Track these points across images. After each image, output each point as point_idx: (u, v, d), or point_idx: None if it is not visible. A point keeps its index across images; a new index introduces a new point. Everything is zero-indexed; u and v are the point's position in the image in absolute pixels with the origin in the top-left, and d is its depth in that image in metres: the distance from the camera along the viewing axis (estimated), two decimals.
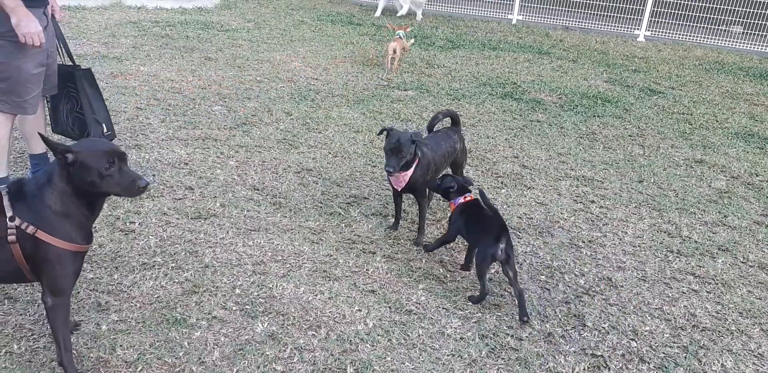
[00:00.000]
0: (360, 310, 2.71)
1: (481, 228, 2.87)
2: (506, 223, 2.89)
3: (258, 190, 3.76)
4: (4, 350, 2.30)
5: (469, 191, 3.11)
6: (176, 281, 2.80)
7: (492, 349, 2.54)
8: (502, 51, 8.43)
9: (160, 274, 2.83)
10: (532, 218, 3.72)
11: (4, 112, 3.07)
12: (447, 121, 3.77)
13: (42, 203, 2.02)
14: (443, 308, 2.77)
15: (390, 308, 2.75)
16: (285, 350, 2.42)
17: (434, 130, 3.59)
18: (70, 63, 3.54)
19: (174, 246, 3.07)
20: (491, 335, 2.62)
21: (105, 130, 3.61)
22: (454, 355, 2.49)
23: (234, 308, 2.65)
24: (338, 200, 3.72)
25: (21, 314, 2.50)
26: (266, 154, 4.28)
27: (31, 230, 2.00)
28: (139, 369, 2.26)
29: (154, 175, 3.78)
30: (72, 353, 2.18)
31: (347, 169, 4.17)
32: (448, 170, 3.63)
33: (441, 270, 3.07)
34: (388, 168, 3.03)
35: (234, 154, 4.22)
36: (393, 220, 3.48)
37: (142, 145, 4.20)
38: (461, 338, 2.59)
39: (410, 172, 3.13)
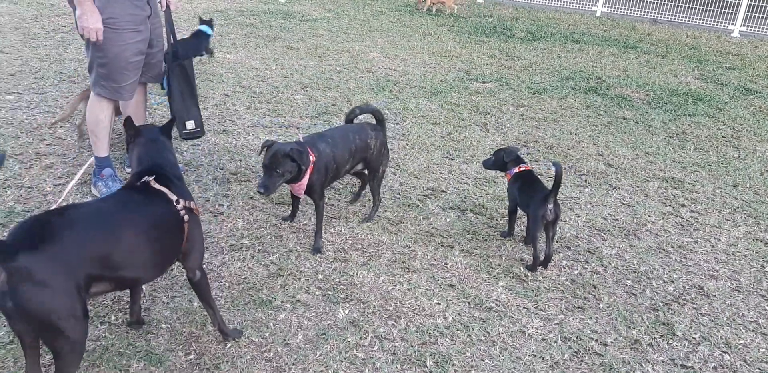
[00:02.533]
0: (439, 303, 2.71)
1: (530, 192, 3.01)
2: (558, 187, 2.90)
3: (338, 179, 3.81)
4: (102, 321, 2.45)
5: (524, 162, 3.20)
6: (262, 263, 2.89)
7: (575, 352, 2.48)
8: (586, 44, 8.13)
9: (248, 256, 2.93)
10: (617, 220, 3.58)
11: (102, 96, 3.23)
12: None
13: (182, 180, 2.21)
14: (524, 308, 2.73)
15: (469, 303, 2.73)
16: (366, 338, 2.46)
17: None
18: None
19: (260, 230, 3.17)
20: (574, 338, 2.55)
21: (194, 127, 3.59)
22: (535, 356, 2.44)
23: (317, 293, 2.71)
24: (416, 192, 3.72)
25: None
26: None
27: (193, 205, 2.15)
28: (228, 346, 2.36)
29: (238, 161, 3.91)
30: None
31: (425, 162, 4.15)
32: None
33: (521, 269, 3.01)
34: (259, 189, 2.67)
35: None
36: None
37: (229, 131, 4.35)
38: (543, 339, 2.54)
39: (305, 181, 2.83)
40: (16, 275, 1.66)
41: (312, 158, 2.80)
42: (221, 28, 7.28)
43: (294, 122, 4.61)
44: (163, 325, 2.43)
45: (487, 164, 3.30)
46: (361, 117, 3.30)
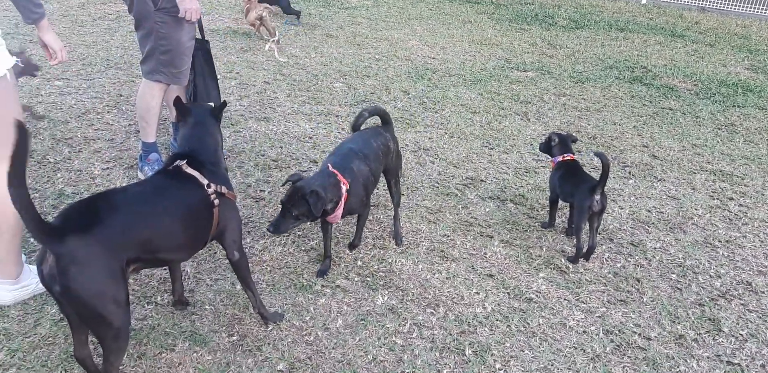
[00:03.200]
0: (478, 293, 2.69)
1: (576, 182, 2.95)
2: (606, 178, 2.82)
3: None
4: (149, 301, 2.52)
5: (571, 152, 3.14)
6: (303, 249, 2.92)
7: (617, 346, 2.44)
8: (631, 32, 7.89)
9: (288, 241, 2.97)
10: (662, 212, 3.49)
11: (161, 82, 3.31)
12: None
13: (218, 166, 2.24)
14: (565, 300, 2.69)
15: (509, 294, 2.71)
16: (405, 325, 2.47)
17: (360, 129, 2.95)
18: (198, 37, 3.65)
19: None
20: (617, 332, 2.51)
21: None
22: (576, 348, 2.41)
23: (356, 279, 2.73)
24: (455, 181, 3.70)
25: (165, 269, 2.73)
26: None
27: (224, 189, 2.17)
28: (269, 329, 2.40)
29: (281, 147, 3.95)
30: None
31: (464, 151, 4.12)
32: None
33: (562, 260, 2.97)
34: (269, 228, 2.45)
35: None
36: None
37: (270, 118, 4.39)
38: (584, 332, 2.50)
39: (339, 213, 2.58)
40: (64, 259, 1.69)
41: (344, 186, 2.52)
42: None
43: (333, 110, 4.62)
44: (206, 306, 2.48)
45: (542, 147, 3.27)
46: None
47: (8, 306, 2.42)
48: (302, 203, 2.40)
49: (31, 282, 2.47)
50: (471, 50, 6.54)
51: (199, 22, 3.57)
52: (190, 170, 2.13)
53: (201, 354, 2.25)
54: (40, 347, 2.23)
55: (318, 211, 2.40)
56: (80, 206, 1.86)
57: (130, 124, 4.10)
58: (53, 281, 1.71)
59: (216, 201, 2.13)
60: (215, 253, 2.81)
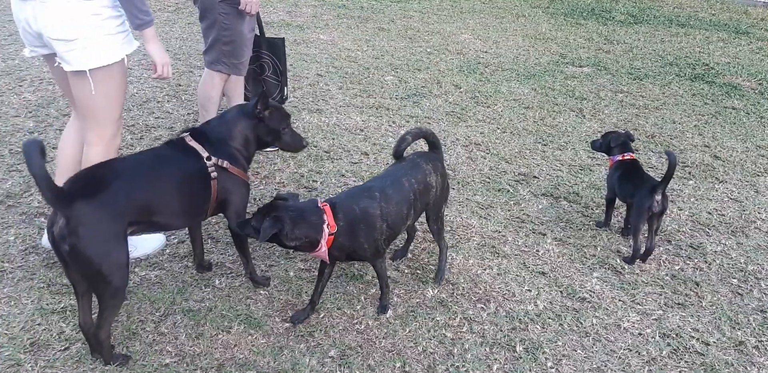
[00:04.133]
0: (530, 290, 2.66)
1: (636, 182, 2.86)
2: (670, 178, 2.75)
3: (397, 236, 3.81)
4: (206, 284, 2.60)
5: (631, 150, 3.06)
6: None
7: (674, 350, 2.37)
8: (692, 28, 7.59)
9: None
10: (723, 215, 3.36)
11: (222, 72, 3.39)
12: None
13: (227, 143, 2.32)
14: (620, 300, 2.63)
15: (561, 292, 2.66)
16: (455, 319, 2.46)
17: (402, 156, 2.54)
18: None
19: None
20: (674, 335, 2.44)
21: (285, 95, 3.84)
22: (630, 350, 2.36)
23: (406, 271, 2.74)
24: (506, 177, 3.65)
25: (222, 254, 2.80)
26: (435, 126, 4.31)
27: (226, 164, 2.27)
28: (321, 316, 2.44)
29: (333, 139, 3.99)
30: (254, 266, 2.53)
31: (516, 146, 4.06)
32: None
33: (617, 260, 2.90)
34: (237, 224, 2.29)
35: (405, 124, 4.30)
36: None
37: (322, 110, 4.43)
38: (639, 334, 2.44)
39: (322, 252, 2.19)
40: (73, 220, 1.86)
41: (329, 229, 2.14)
42: (314, 9, 7.40)
43: (384, 103, 4.63)
44: (261, 292, 2.54)
45: (595, 145, 3.20)
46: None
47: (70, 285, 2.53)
48: (259, 220, 2.08)
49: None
50: (524, 45, 6.44)
51: (258, 16, 3.64)
52: (192, 142, 2.25)
53: (255, 337, 2.31)
54: None
55: (263, 237, 2.04)
56: (87, 174, 2.06)
57: (188, 114, 4.22)
58: (63, 241, 1.88)
59: (214, 173, 2.24)
60: (272, 246, 2.86)
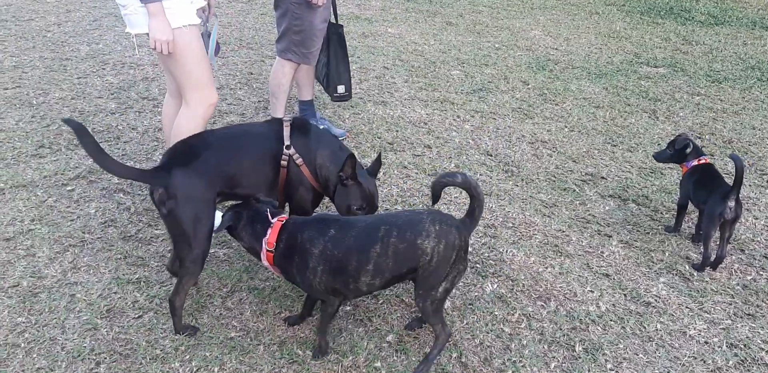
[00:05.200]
0: (592, 291, 2.61)
1: (711, 188, 2.76)
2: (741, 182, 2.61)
3: (491, 155, 3.78)
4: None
5: (704, 154, 2.94)
6: None
7: (741, 360, 2.27)
8: None
9: None
10: None
11: (292, 61, 3.48)
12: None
13: (313, 147, 2.32)
14: (686, 308, 2.54)
15: (625, 295, 2.60)
16: (513, 314, 2.45)
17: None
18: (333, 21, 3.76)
19: (413, 198, 3.25)
20: (742, 346, 2.34)
21: (343, 91, 3.77)
22: (696, 358, 2.27)
23: None
24: (573, 176, 3.58)
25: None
26: (500, 122, 4.26)
27: (299, 161, 2.32)
28: (380, 302, 2.47)
29: (397, 131, 4.01)
30: None
31: (584, 145, 3.97)
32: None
33: (686, 267, 2.79)
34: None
35: (469, 119, 4.28)
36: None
37: (387, 103, 4.47)
38: (706, 343, 2.35)
39: (263, 260, 2.08)
40: (171, 188, 2.06)
41: (266, 245, 2.02)
42: (383, 3, 7.43)
43: (449, 98, 4.62)
44: None
45: (661, 157, 3.07)
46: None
47: (147, 258, 2.67)
48: (227, 212, 2.11)
49: None
50: (597, 43, 6.25)
51: (334, 6, 3.69)
52: (286, 126, 2.30)
53: (316, 318, 2.36)
54: None
55: (220, 227, 2.07)
56: (183, 148, 2.20)
57: (259, 101, 4.34)
58: (162, 205, 2.08)
59: (284, 162, 2.28)
60: None
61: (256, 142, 2.32)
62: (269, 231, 2.03)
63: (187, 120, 2.66)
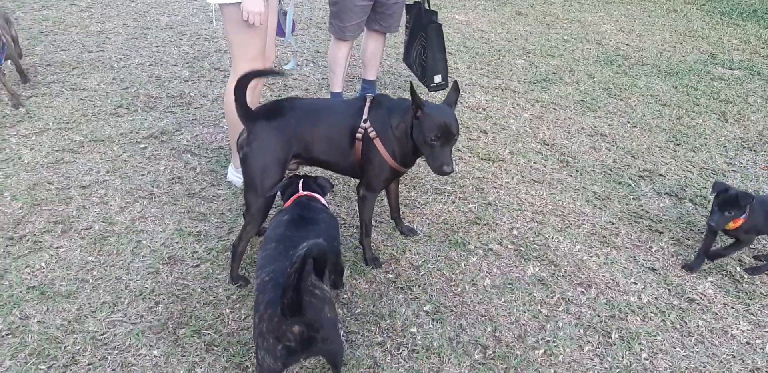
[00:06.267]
0: (636, 283, 2.60)
1: None
2: None
3: (547, 145, 3.77)
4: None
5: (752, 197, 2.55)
6: (461, 210, 3.02)
7: None
8: None
9: (449, 200, 3.09)
10: None
11: (333, 35, 3.59)
12: None
13: (388, 122, 2.34)
14: (732, 308, 2.49)
15: (669, 290, 2.57)
16: (552, 298, 2.47)
17: None
18: (426, 8, 3.73)
19: (463, 180, 3.30)
20: None
21: (440, 81, 3.81)
22: (735, 357, 2.24)
23: (509, 247, 2.77)
24: (629, 171, 3.53)
25: (339, 206, 3.00)
26: (561, 113, 4.22)
27: (372, 135, 2.35)
28: (421, 274, 2.55)
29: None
30: (371, 238, 2.58)
31: (645, 142, 3.89)
32: None
33: (737, 268, 2.73)
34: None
35: (529, 108, 4.26)
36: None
37: (448, 87, 4.50)
38: (747, 343, 2.31)
39: None
40: (251, 135, 2.25)
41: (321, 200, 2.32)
42: None
43: (511, 86, 4.60)
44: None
45: (724, 221, 2.54)
46: None
47: (208, 214, 2.84)
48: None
49: None
50: (671, 41, 6.05)
51: None
52: (367, 103, 2.36)
53: (359, 282, 2.47)
54: (230, 250, 2.61)
55: (277, 188, 2.31)
56: (271, 105, 2.38)
57: (323, 78, 4.46)
58: (241, 148, 2.28)
59: (359, 135, 2.33)
60: (381, 199, 3.01)
61: (338, 114, 2.40)
62: (290, 200, 2.28)
63: (230, 87, 2.74)
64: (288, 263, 1.61)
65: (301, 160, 2.40)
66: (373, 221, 2.86)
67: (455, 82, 2.37)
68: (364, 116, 2.34)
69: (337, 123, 2.36)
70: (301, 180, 2.33)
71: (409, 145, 2.34)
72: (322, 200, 2.29)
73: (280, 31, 3.03)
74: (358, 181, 2.51)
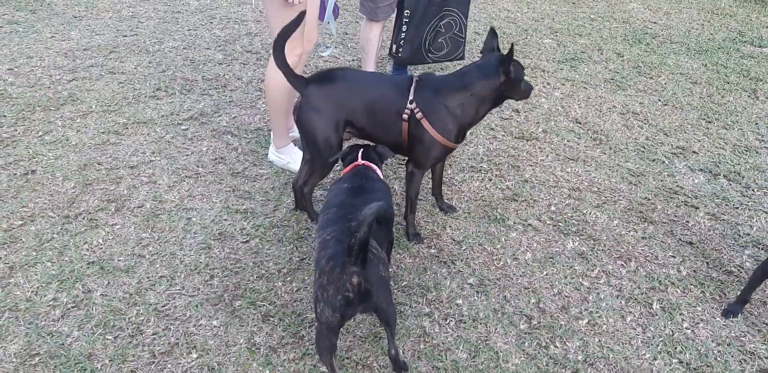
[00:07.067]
0: (674, 256, 2.65)
1: None
2: None
3: (580, 123, 3.79)
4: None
5: None
6: (498, 187, 3.08)
7: None
8: None
9: (485, 178, 3.15)
10: None
11: (364, 16, 3.61)
12: None
13: (440, 100, 2.37)
14: None
15: (707, 263, 2.62)
16: (593, 270, 2.54)
17: None
18: None
19: (498, 158, 3.34)
20: None
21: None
22: None
23: (548, 222, 2.83)
24: (663, 148, 3.55)
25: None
26: (591, 91, 4.23)
27: (419, 116, 2.39)
28: (463, 248, 2.62)
29: None
30: (415, 214, 2.66)
31: (677, 120, 3.90)
32: None
33: None
34: None
35: (560, 87, 4.28)
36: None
37: None
38: None
39: None
40: (304, 98, 2.40)
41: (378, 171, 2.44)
42: None
43: (540, 65, 4.61)
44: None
45: None
46: None
47: (253, 192, 2.93)
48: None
49: (287, 158, 3.08)
50: (699, 18, 5.98)
51: None
52: (414, 84, 2.40)
53: (403, 256, 2.55)
54: (278, 226, 2.70)
55: (339, 155, 2.44)
56: (325, 72, 2.50)
57: (353, 59, 4.50)
58: (295, 111, 2.44)
59: (405, 116, 2.38)
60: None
61: (386, 92, 2.44)
62: (348, 167, 2.38)
63: (275, 73, 2.78)
64: (352, 223, 1.77)
65: (354, 129, 2.48)
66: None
67: (491, 28, 2.48)
68: (410, 97, 2.39)
69: (384, 101, 2.42)
70: (362, 149, 2.41)
71: (485, 110, 2.45)
72: (378, 170, 2.36)
73: (322, 15, 3.06)
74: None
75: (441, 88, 2.39)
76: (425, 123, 2.38)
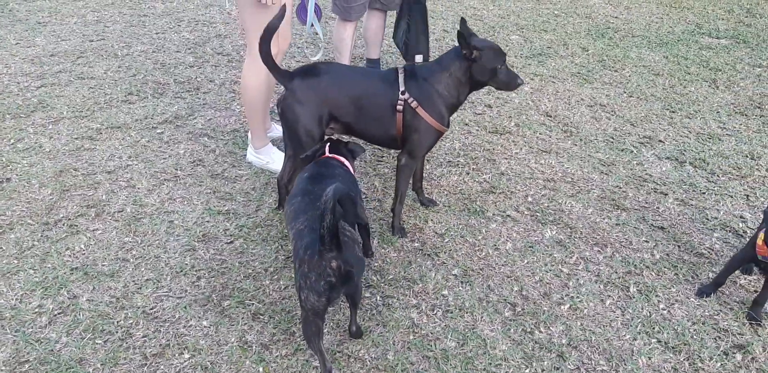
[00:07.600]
0: (647, 241, 2.76)
1: None
2: None
3: (550, 116, 3.90)
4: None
5: None
6: (476, 180, 3.15)
7: None
8: None
9: (463, 172, 3.21)
10: None
11: (336, 15, 3.65)
12: None
13: (429, 85, 2.44)
14: None
15: (679, 246, 2.74)
16: (571, 258, 2.62)
17: None
18: None
19: (474, 152, 3.42)
20: None
21: (420, 60, 3.90)
22: (744, 304, 2.41)
23: (526, 213, 2.91)
24: (630, 139, 3.67)
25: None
26: (560, 85, 4.35)
27: (414, 104, 2.45)
28: (445, 241, 2.68)
29: None
30: (403, 206, 2.72)
31: (642, 110, 4.03)
32: None
33: (740, 225, 2.90)
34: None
35: (529, 81, 4.38)
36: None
37: None
38: (755, 291, 2.48)
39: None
40: (289, 91, 2.44)
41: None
42: None
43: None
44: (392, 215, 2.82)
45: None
46: None
47: (234, 193, 2.93)
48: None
49: (267, 158, 3.09)
50: (658, 12, 6.18)
51: None
52: (401, 75, 2.46)
53: (388, 251, 2.59)
54: (261, 226, 2.71)
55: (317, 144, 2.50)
56: (309, 66, 2.52)
57: (326, 59, 4.51)
58: (279, 104, 2.47)
59: (400, 107, 2.43)
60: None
61: (373, 86, 2.48)
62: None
63: (251, 74, 2.83)
64: (318, 211, 1.79)
65: (338, 125, 2.50)
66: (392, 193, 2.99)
67: (462, 18, 2.53)
68: (401, 88, 2.44)
69: (374, 95, 2.46)
70: (328, 143, 2.44)
71: (465, 93, 2.51)
72: (346, 162, 2.38)
73: (302, 18, 3.09)
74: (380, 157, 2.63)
75: (427, 74, 2.46)
76: (421, 111, 2.45)
